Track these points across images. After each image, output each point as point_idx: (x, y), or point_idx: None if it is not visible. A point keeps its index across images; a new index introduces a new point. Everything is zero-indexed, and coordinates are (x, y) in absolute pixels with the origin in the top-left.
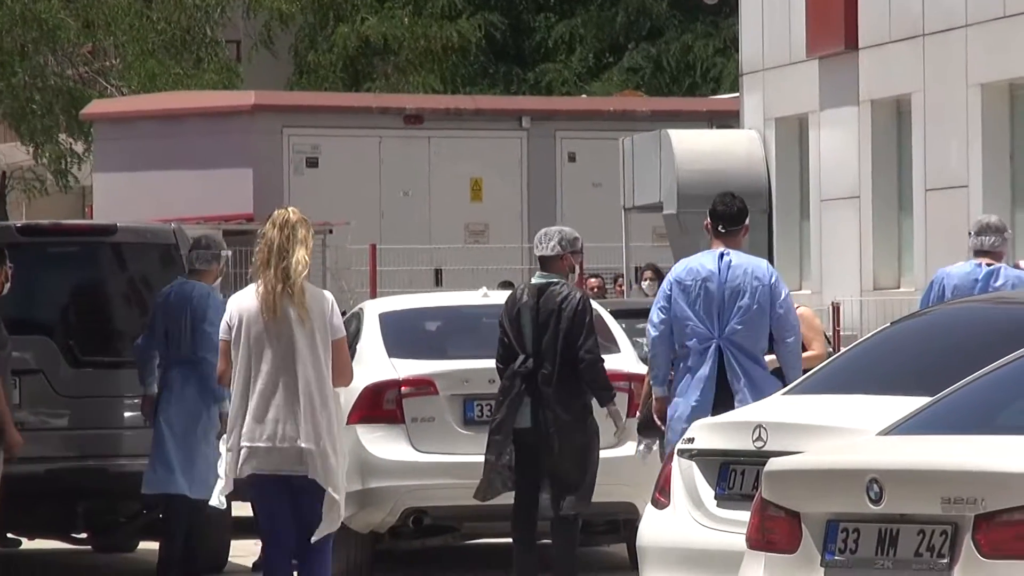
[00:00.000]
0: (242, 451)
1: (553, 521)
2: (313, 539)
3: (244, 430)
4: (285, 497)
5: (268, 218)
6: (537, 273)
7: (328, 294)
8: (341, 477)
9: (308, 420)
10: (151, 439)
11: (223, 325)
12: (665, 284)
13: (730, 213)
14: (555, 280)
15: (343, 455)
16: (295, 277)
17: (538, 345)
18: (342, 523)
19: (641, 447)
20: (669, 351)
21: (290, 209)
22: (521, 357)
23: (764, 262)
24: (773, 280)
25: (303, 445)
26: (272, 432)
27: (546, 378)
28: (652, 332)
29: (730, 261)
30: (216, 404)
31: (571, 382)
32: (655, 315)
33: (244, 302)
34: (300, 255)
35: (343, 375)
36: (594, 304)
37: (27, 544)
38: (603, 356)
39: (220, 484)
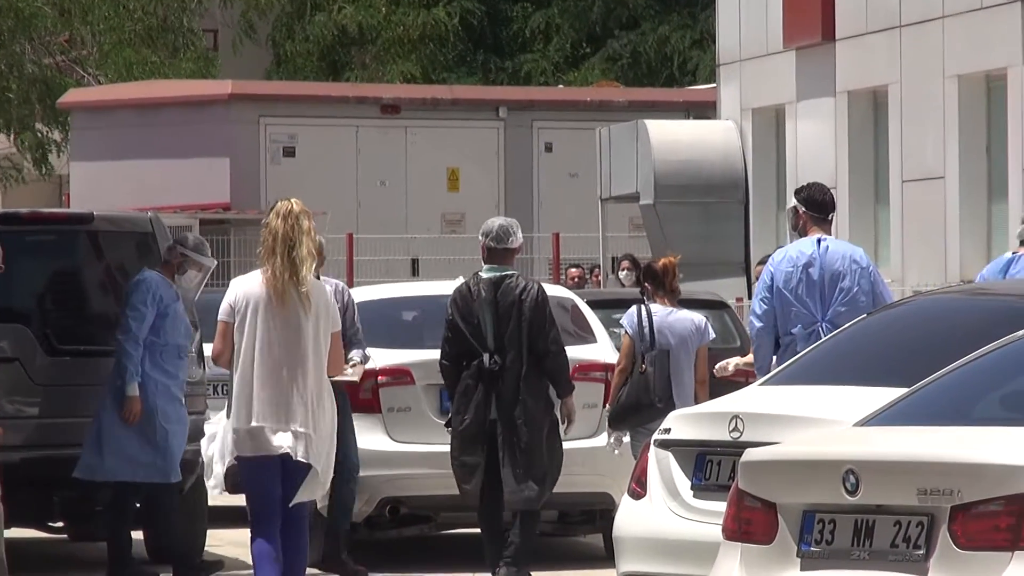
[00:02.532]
0: (247, 431)
1: (516, 512)
2: (291, 504)
3: (250, 411)
4: (277, 478)
5: (271, 209)
6: (486, 267)
7: (326, 286)
8: (330, 459)
9: (311, 405)
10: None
11: (224, 307)
12: (765, 275)
13: (825, 201)
14: (509, 272)
15: (334, 440)
16: (303, 268)
17: (500, 339)
18: (318, 513)
19: (612, 439)
20: (774, 341)
21: (292, 200)
22: (486, 355)
23: (860, 248)
24: (870, 265)
25: (302, 429)
26: (276, 414)
27: (513, 371)
28: (757, 324)
29: (827, 246)
30: (125, 386)
31: (535, 373)
32: (757, 306)
33: (251, 287)
34: (308, 246)
35: (336, 365)
36: (572, 294)
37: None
38: (580, 346)
39: (216, 469)
